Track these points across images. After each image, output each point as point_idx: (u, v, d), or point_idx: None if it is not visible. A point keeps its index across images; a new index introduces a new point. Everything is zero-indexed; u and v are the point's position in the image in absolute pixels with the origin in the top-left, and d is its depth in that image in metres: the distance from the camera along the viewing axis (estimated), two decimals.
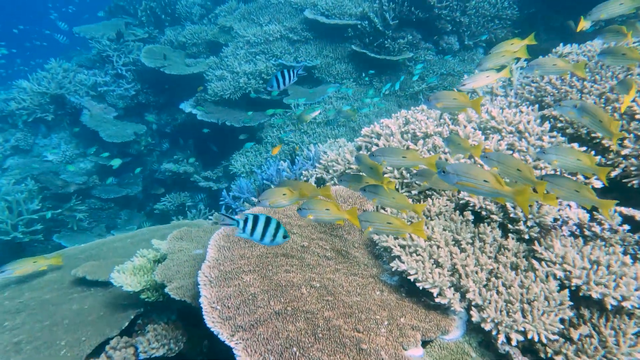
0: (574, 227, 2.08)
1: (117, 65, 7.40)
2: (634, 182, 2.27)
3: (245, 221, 1.59)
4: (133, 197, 6.89)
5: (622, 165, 2.33)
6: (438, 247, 2.03)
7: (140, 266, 2.66)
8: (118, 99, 7.25)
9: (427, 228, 2.10)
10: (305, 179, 2.71)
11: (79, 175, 6.96)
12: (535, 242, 2.01)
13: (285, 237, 1.64)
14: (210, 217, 3.41)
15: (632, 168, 2.29)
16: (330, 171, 2.74)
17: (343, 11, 6.41)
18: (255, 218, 1.59)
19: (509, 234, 2.09)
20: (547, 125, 2.55)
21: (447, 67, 6.16)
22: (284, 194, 1.81)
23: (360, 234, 2.36)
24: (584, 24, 2.57)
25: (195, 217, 5.76)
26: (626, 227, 2.07)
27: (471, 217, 2.18)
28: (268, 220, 1.61)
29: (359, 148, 2.67)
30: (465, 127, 2.56)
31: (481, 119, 2.52)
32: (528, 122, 2.59)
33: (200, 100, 6.25)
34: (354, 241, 2.31)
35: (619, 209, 2.13)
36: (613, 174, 2.34)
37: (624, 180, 2.32)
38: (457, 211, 2.23)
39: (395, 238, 2.11)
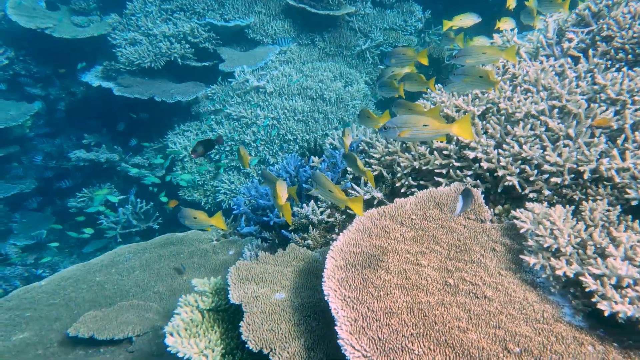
0: None
1: None
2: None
3: None
4: (29, 194, 5.59)
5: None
6: None
7: (191, 321, 2.02)
8: None
9: (619, 247, 1.77)
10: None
11: None
12: None
13: None
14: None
15: None
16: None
17: None
18: None
19: None
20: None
21: (388, 22, 5.79)
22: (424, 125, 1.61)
23: (497, 257, 1.95)
24: None
25: (130, 213, 4.82)
26: None
27: None
28: None
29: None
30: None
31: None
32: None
33: (110, 71, 5.11)
34: (498, 267, 1.89)
35: None
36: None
37: None
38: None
39: (578, 263, 1.75)
